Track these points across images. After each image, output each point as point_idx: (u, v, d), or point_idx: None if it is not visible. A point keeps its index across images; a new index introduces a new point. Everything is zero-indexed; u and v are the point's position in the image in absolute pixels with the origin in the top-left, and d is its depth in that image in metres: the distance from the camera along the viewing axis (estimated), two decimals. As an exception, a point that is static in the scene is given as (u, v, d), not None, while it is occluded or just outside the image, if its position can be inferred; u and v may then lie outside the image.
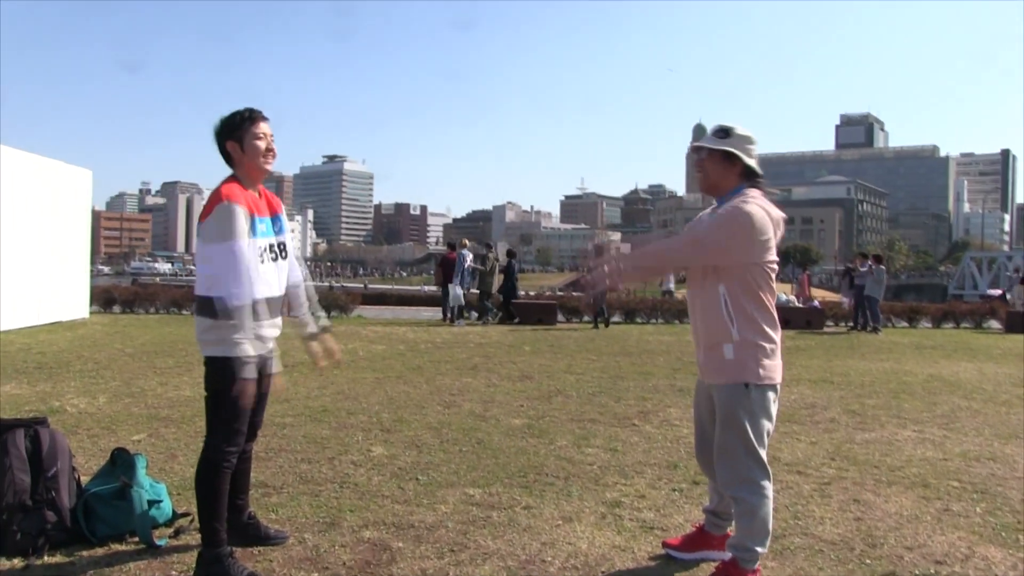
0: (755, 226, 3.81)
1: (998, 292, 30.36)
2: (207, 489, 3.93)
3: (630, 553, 4.41)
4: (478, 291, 21.93)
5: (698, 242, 3.99)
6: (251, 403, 3.99)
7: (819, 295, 37.14)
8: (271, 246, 4.04)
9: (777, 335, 3.98)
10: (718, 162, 4.02)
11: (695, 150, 4.14)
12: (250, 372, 3.92)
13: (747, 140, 4.02)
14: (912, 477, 6.05)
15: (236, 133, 3.98)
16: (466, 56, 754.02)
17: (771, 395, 3.93)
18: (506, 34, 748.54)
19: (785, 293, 28.19)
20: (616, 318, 23.33)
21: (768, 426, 3.94)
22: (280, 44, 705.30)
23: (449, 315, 21.20)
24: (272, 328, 4.11)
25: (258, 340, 3.98)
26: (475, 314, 21.55)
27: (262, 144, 4.01)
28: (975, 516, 5.15)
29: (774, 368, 3.93)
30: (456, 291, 20.83)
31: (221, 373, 3.89)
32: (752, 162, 4.01)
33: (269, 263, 4.02)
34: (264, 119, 4.07)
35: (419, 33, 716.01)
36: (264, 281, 3.96)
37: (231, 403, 3.90)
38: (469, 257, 21.32)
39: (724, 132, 4.03)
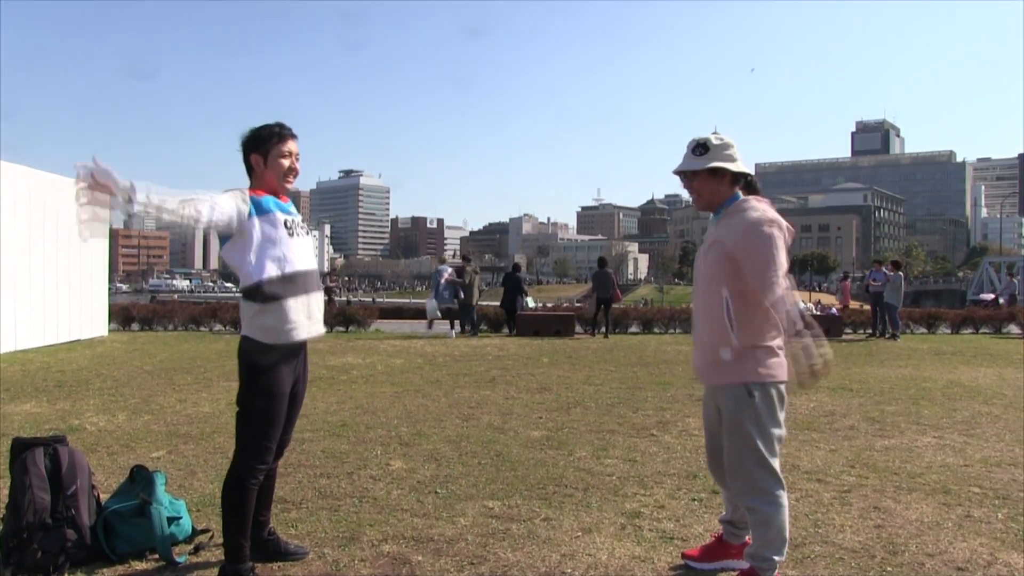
0: (781, 228, 3.84)
1: (990, 297, 29.79)
2: (233, 505, 3.94)
3: (650, 564, 4.39)
4: (459, 304, 21.93)
5: (778, 280, 3.76)
6: (281, 420, 4.01)
7: (837, 303, 36.91)
8: (296, 221, 4.08)
9: (780, 337, 3.93)
10: (707, 180, 3.98)
11: (681, 175, 4.08)
12: (281, 391, 3.96)
13: (726, 147, 3.98)
14: (933, 484, 6.01)
15: (263, 147, 3.99)
16: (480, 70, 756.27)
17: (775, 396, 3.88)
18: (520, 46, 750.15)
19: (805, 301, 28.04)
20: (633, 328, 23.33)
21: (777, 432, 3.90)
22: (295, 61, 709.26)
23: (465, 327, 21.50)
24: (319, 303, 4.13)
25: (308, 319, 4.03)
26: (457, 327, 21.68)
27: (286, 163, 4.02)
28: (997, 522, 5.11)
29: (776, 366, 3.89)
30: (431, 303, 21.64)
31: (258, 352, 3.91)
32: (738, 167, 3.98)
33: (298, 237, 4.05)
34: (293, 137, 4.07)
35: (432, 48, 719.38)
36: (297, 255, 4.00)
37: (262, 419, 3.92)
38: (446, 272, 21.73)
39: (702, 148, 3.98)
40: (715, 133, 4.03)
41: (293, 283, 3.94)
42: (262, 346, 3.91)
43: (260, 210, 3.92)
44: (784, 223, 3.88)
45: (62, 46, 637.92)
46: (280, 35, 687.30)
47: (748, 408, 3.83)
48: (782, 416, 3.93)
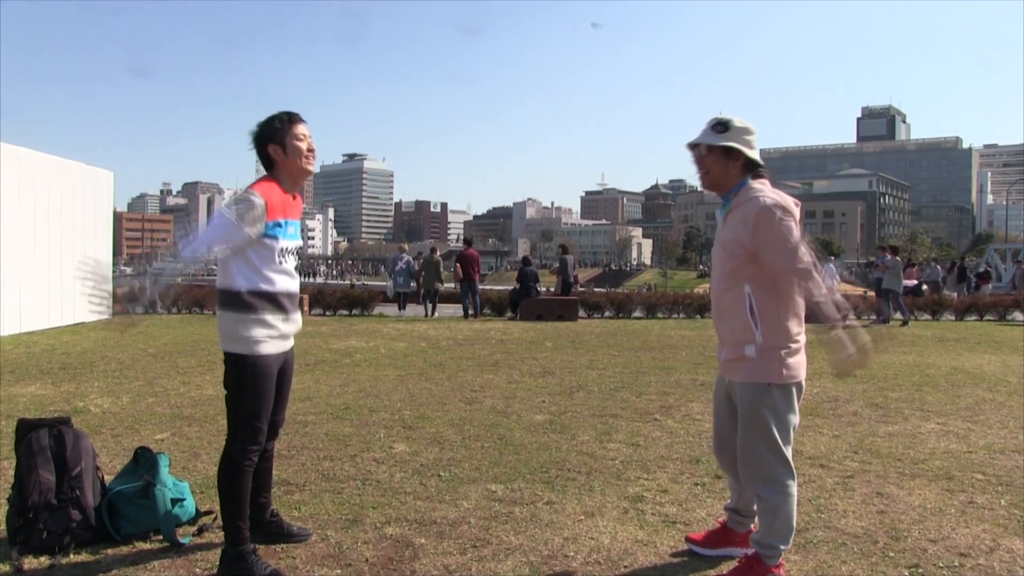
0: (788, 211, 3.79)
1: (913, 283, 29.35)
2: (229, 488, 3.96)
3: (652, 548, 4.40)
4: (422, 288, 23.61)
5: (800, 260, 3.73)
6: (270, 401, 4.02)
7: (841, 289, 36.74)
8: (295, 250, 4.11)
9: (802, 332, 3.93)
10: (719, 158, 3.92)
11: (693, 147, 4.01)
12: (268, 372, 3.96)
13: (746, 131, 3.92)
14: (936, 470, 6.01)
15: (278, 136, 4.02)
16: (484, 55, 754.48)
17: (795, 392, 3.88)
18: (522, 31, 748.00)
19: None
20: (637, 313, 23.33)
21: (793, 422, 3.90)
22: (299, 46, 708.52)
23: (468, 311, 22.01)
24: (292, 324, 4.13)
25: (280, 338, 4.03)
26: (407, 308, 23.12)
27: (303, 145, 4.06)
28: (1000, 509, 5.11)
29: (798, 366, 3.88)
30: (388, 286, 23.77)
31: (239, 370, 3.93)
32: (753, 154, 3.93)
33: (289, 262, 4.07)
34: (302, 121, 4.12)
35: (436, 31, 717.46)
36: (284, 277, 4.02)
37: (251, 401, 3.93)
38: (403, 259, 23.40)
39: (722, 126, 3.92)
40: (738, 118, 3.97)
41: (272, 301, 3.97)
42: (238, 356, 3.95)
43: (267, 232, 3.96)
44: (791, 202, 3.85)
45: (62, 41, 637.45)
46: (285, 24, 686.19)
47: (767, 399, 3.83)
48: (798, 407, 3.93)
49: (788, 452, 3.89)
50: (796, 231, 3.77)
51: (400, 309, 22.81)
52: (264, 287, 3.93)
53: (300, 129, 4.07)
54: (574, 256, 24.37)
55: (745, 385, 3.90)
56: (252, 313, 3.90)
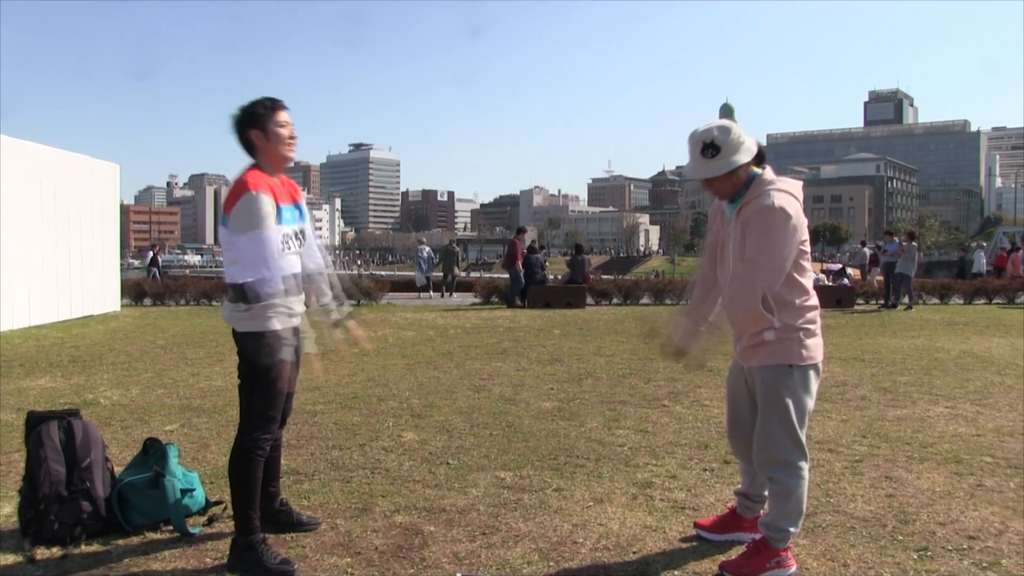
0: (791, 217, 3.70)
1: (838, 267, 28.31)
2: (241, 477, 3.96)
3: (661, 533, 4.41)
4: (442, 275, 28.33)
5: (760, 269, 3.73)
6: (286, 385, 4.03)
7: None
8: (295, 234, 4.06)
9: (817, 313, 3.93)
10: (726, 179, 3.84)
11: (704, 183, 3.94)
12: (286, 352, 3.95)
13: (735, 137, 3.78)
14: (944, 453, 6.01)
15: (259, 122, 3.97)
16: (490, 43, 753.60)
17: (813, 375, 3.89)
18: (527, 21, 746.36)
19: (815, 271, 27.73)
20: (645, 300, 23.30)
21: (810, 405, 3.90)
22: (305, 36, 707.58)
23: (518, 301, 21.90)
24: (298, 303, 4.11)
25: (288, 315, 4.01)
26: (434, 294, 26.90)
27: (285, 132, 4.02)
28: (1008, 491, 5.11)
29: (816, 347, 3.88)
30: (418, 275, 28.16)
31: (258, 347, 3.90)
32: (750, 154, 3.82)
33: (292, 247, 4.05)
34: (284, 108, 4.07)
35: (442, 19, 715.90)
36: (286, 266, 3.98)
37: (267, 387, 3.93)
38: (425, 251, 28.15)
39: (713, 149, 3.77)
40: (718, 125, 3.83)
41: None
42: (256, 334, 3.92)
43: (278, 220, 3.94)
44: (795, 196, 3.78)
45: (67, 35, 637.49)
46: (291, 18, 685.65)
47: (787, 381, 3.82)
48: (815, 389, 3.95)
49: (803, 435, 3.89)
50: (789, 241, 3.72)
51: (426, 292, 26.94)
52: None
53: (282, 116, 4.04)
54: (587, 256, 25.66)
55: (765, 368, 3.88)
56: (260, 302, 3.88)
